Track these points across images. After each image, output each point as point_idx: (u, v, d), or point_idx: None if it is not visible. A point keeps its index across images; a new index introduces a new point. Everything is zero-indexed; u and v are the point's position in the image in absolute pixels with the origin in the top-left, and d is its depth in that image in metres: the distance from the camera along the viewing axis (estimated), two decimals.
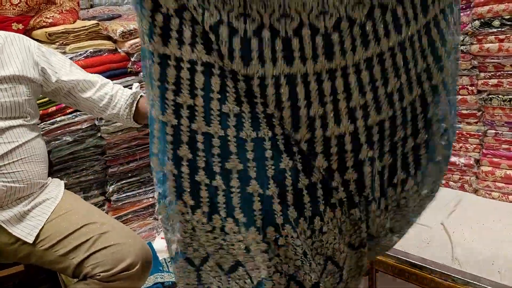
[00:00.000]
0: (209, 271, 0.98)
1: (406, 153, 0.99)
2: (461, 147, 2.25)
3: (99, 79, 1.60)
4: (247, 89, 0.86)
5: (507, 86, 2.14)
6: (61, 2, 2.19)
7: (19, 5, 2.04)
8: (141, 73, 2.15)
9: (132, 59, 2.13)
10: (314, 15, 0.83)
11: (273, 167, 0.89)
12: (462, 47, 2.46)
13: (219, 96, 0.86)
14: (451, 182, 2.26)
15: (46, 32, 2.04)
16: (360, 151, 0.92)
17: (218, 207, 0.91)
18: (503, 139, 2.11)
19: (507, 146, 2.10)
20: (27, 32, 2.09)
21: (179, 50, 0.82)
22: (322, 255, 0.98)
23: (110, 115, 1.60)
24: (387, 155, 0.96)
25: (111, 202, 2.09)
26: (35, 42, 1.55)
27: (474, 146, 2.21)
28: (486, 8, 2.30)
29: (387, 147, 0.96)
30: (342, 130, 0.89)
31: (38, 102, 1.58)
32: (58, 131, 1.91)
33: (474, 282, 1.48)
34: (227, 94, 0.86)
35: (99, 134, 2.00)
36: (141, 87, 1.71)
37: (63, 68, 1.54)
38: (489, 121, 2.15)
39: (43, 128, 1.85)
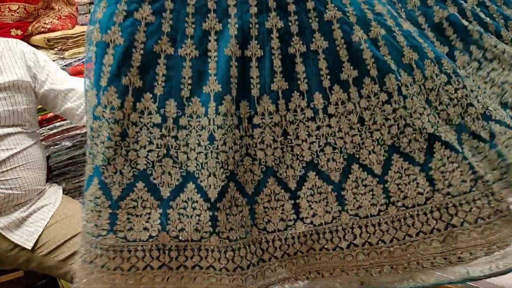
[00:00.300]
0: (132, 207, 0.76)
1: None
2: None
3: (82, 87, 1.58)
4: None
5: None
6: (59, 8, 2.20)
7: (17, 11, 2.05)
8: None
9: None
10: None
11: (257, 26, 0.77)
12: None
13: None
14: None
15: (45, 38, 2.05)
16: None
17: (181, 84, 0.77)
18: None
19: None
20: (26, 38, 2.10)
21: None
22: (335, 148, 0.79)
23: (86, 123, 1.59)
24: None
25: None
26: (31, 48, 1.55)
27: None
28: None
29: None
30: None
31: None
32: (57, 136, 1.91)
33: (472, 285, 1.48)
34: None
35: None
36: None
37: (49, 77, 1.52)
38: None
39: (42, 133, 1.85)
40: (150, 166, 0.77)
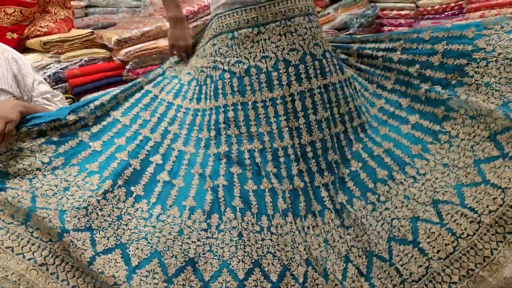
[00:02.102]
0: (145, 276, 1.03)
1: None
2: None
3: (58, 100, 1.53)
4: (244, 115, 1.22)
5: None
6: (55, 11, 2.19)
7: (13, 14, 2.04)
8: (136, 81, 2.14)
9: (127, 67, 2.13)
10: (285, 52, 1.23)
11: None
12: None
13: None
14: None
15: (41, 41, 2.04)
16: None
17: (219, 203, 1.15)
18: None
19: None
20: (22, 41, 2.09)
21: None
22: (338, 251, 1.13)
23: None
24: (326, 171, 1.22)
25: None
26: (14, 52, 1.50)
27: None
28: (478, 13, 2.33)
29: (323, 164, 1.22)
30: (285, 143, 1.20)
31: None
32: None
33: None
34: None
35: None
36: None
37: (31, 79, 1.49)
38: None
39: None
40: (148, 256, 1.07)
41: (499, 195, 1.02)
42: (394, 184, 1.18)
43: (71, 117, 1.16)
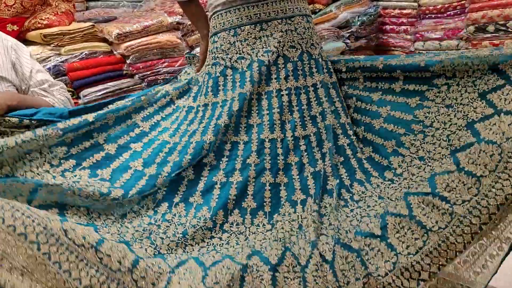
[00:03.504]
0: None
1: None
2: None
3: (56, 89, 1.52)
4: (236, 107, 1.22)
5: None
6: (56, 4, 2.18)
7: (14, 6, 2.03)
8: (137, 76, 2.15)
9: (128, 61, 2.12)
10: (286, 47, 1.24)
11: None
12: None
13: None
14: None
15: (41, 34, 2.03)
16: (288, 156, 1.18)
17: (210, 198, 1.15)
18: None
19: None
20: (22, 33, 2.08)
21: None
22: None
23: None
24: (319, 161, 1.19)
25: None
26: (13, 40, 1.50)
27: None
28: (481, 13, 2.33)
29: (317, 155, 1.20)
30: (275, 136, 1.18)
31: None
32: None
33: (470, 286, 1.48)
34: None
35: None
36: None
37: (29, 69, 1.48)
38: None
39: None
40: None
41: (474, 184, 0.97)
42: (370, 187, 1.17)
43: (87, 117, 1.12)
